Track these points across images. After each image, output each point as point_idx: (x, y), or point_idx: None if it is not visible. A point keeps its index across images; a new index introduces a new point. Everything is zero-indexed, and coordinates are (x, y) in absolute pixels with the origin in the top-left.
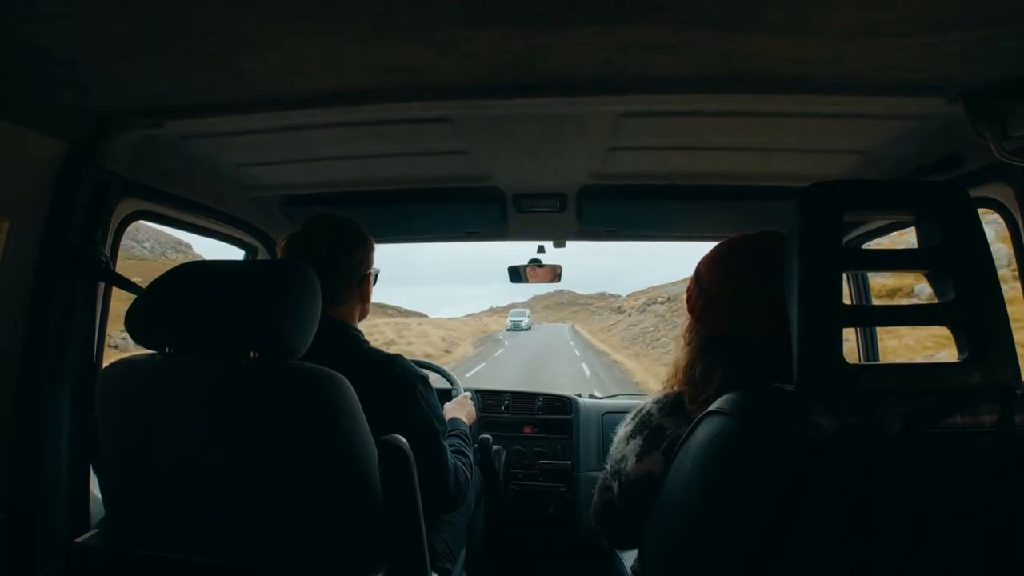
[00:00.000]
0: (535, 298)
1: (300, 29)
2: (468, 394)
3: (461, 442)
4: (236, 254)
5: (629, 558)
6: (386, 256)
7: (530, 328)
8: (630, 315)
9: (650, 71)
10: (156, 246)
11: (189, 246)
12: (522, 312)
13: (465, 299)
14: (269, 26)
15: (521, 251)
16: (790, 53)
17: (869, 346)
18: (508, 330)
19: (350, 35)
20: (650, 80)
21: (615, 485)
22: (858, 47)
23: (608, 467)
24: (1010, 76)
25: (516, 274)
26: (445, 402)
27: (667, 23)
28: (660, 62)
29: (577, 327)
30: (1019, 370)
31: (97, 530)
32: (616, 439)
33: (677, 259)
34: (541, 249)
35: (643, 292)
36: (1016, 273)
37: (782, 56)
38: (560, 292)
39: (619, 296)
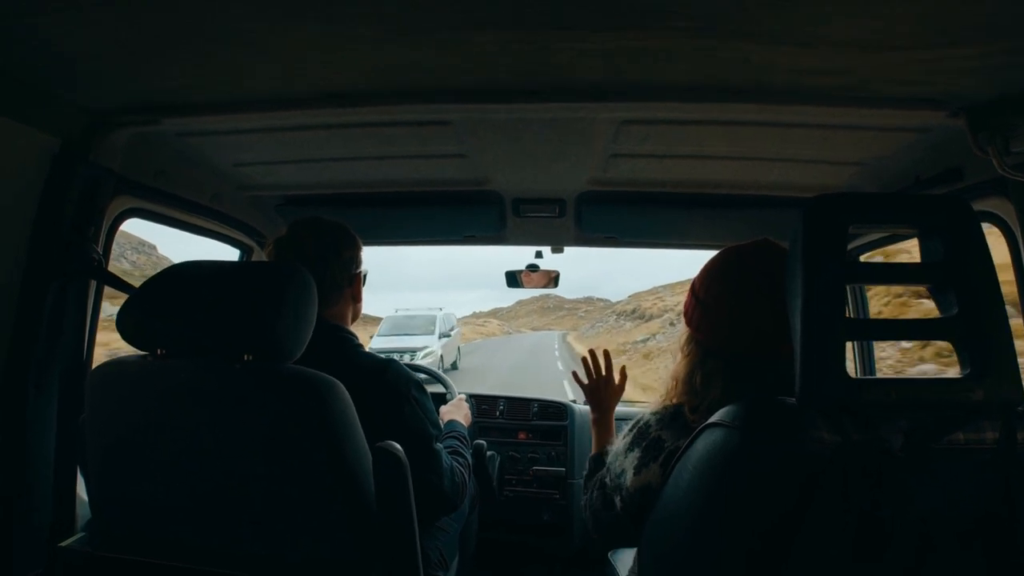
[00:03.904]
0: (520, 302)
1: (301, 29)
2: (463, 396)
3: (459, 443)
4: (205, 256)
5: (624, 566)
6: (371, 262)
7: (449, 366)
8: (674, 323)
9: (655, 78)
10: (115, 247)
11: (153, 247)
12: (427, 319)
13: (450, 305)
14: (270, 25)
15: (516, 255)
16: (796, 64)
17: (866, 359)
18: None
19: (352, 36)
20: (655, 87)
21: (617, 501)
22: (863, 59)
23: (608, 481)
24: (1014, 91)
25: (513, 279)
26: (440, 406)
27: (675, 31)
28: (666, 70)
29: (572, 340)
30: (1021, 387)
31: (82, 534)
32: (614, 451)
33: (663, 265)
34: (539, 254)
35: (651, 292)
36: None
37: (788, 67)
38: (546, 297)
39: (608, 300)
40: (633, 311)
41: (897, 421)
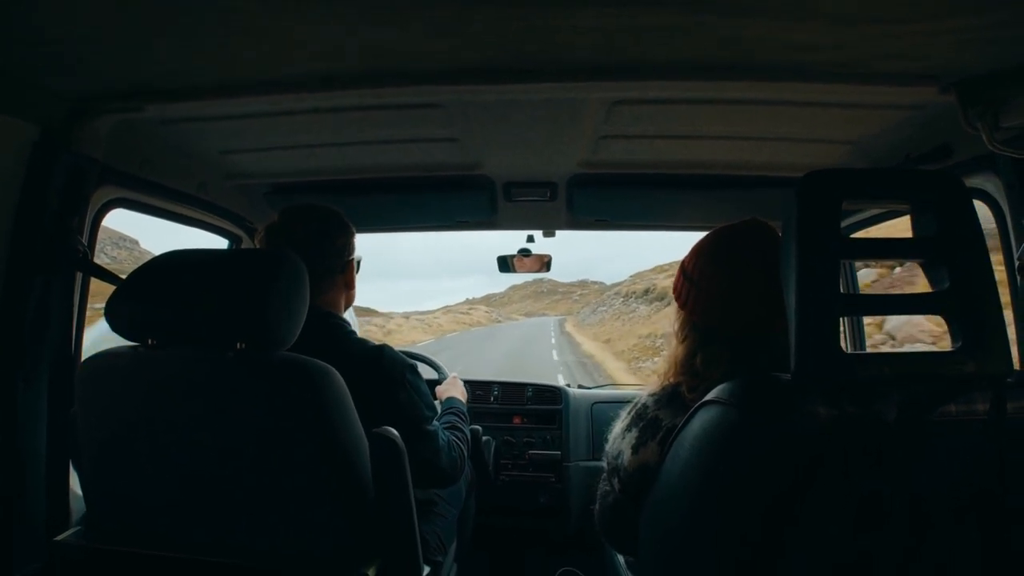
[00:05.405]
0: (513, 287)
1: (288, 9)
2: (456, 375)
3: (457, 419)
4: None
5: None
6: (365, 250)
7: None
8: None
9: (647, 56)
10: None
11: (135, 242)
12: None
13: (444, 292)
14: (256, 6)
15: (509, 240)
16: (788, 40)
17: (856, 334)
18: None
19: (340, 17)
20: (647, 65)
21: (615, 483)
22: (855, 34)
23: (605, 465)
24: (1004, 66)
25: (505, 264)
26: (435, 387)
27: (668, 6)
28: (658, 47)
29: (571, 328)
30: (1011, 359)
31: (78, 527)
32: (611, 436)
33: (652, 247)
34: (531, 239)
35: (659, 270)
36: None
37: (780, 43)
38: (540, 281)
39: (603, 283)
40: (646, 291)
41: (891, 395)
